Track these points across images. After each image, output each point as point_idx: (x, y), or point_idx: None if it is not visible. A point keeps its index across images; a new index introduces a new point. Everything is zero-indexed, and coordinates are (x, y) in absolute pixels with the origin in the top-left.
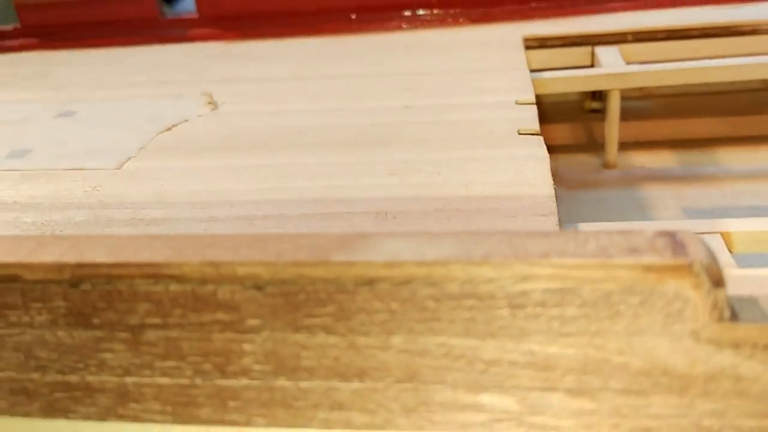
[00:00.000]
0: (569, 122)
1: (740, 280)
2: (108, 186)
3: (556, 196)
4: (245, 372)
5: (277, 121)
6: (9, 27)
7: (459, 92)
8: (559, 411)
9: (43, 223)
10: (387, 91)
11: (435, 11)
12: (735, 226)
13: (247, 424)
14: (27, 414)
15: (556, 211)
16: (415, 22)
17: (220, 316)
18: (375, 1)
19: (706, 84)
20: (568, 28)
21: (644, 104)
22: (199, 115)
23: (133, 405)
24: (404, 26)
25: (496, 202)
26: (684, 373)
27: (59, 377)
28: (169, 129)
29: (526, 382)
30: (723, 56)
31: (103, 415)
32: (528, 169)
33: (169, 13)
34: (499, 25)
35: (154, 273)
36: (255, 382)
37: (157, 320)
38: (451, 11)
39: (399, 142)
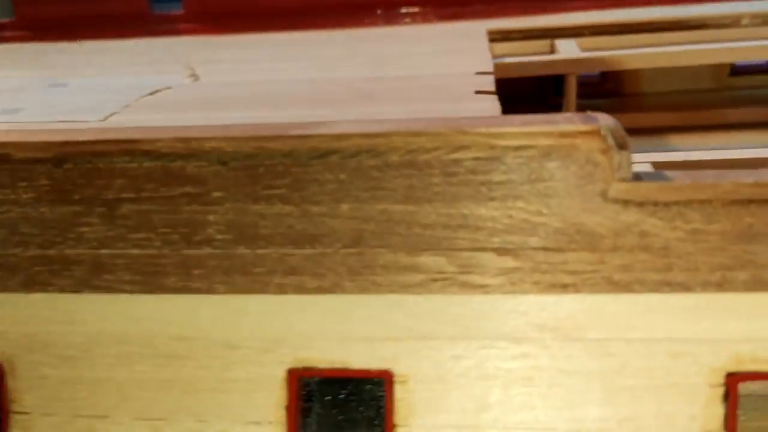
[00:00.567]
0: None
1: None
2: None
3: None
4: (209, 241)
5: (255, 88)
6: (5, 20)
7: (424, 67)
8: (487, 269)
9: None
10: (358, 66)
11: (407, 9)
12: None
13: (209, 291)
14: (6, 288)
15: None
16: (389, 19)
17: (188, 189)
18: (352, 0)
19: (660, 83)
20: (529, 24)
21: (602, 101)
22: (182, 84)
23: (107, 276)
24: (378, 23)
25: None
26: (595, 230)
27: (39, 251)
28: (152, 93)
29: (459, 244)
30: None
31: (77, 287)
32: (480, 111)
33: (158, 9)
34: (466, 22)
35: (130, 149)
36: (217, 251)
37: (131, 194)
38: (422, 10)
39: (367, 99)
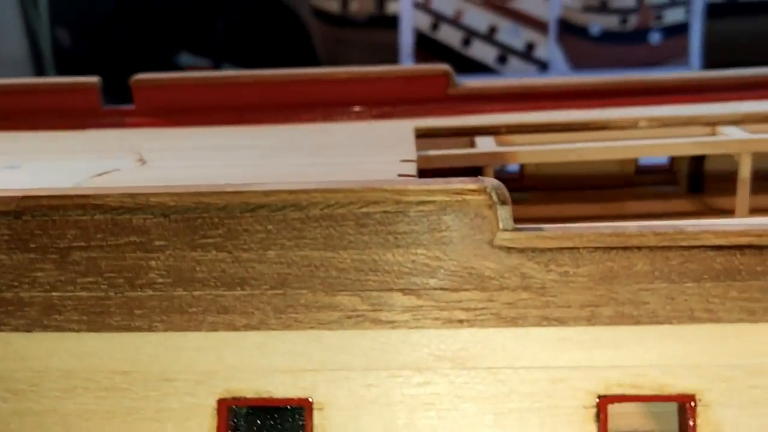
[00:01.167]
0: None
1: None
2: None
3: None
4: (150, 284)
5: (197, 171)
6: None
7: (356, 156)
8: (394, 307)
9: None
10: (295, 155)
11: (343, 108)
12: None
13: (149, 329)
14: None
15: None
16: (326, 117)
17: (133, 238)
18: (293, 99)
19: (572, 179)
20: (452, 123)
21: (519, 195)
22: (129, 167)
23: (56, 316)
24: (317, 119)
25: None
26: (484, 273)
27: None
28: (100, 174)
29: (370, 285)
30: None
31: (29, 327)
32: None
33: (108, 105)
34: (396, 120)
35: (83, 203)
36: (157, 293)
37: (82, 243)
38: (356, 109)
39: (299, 178)
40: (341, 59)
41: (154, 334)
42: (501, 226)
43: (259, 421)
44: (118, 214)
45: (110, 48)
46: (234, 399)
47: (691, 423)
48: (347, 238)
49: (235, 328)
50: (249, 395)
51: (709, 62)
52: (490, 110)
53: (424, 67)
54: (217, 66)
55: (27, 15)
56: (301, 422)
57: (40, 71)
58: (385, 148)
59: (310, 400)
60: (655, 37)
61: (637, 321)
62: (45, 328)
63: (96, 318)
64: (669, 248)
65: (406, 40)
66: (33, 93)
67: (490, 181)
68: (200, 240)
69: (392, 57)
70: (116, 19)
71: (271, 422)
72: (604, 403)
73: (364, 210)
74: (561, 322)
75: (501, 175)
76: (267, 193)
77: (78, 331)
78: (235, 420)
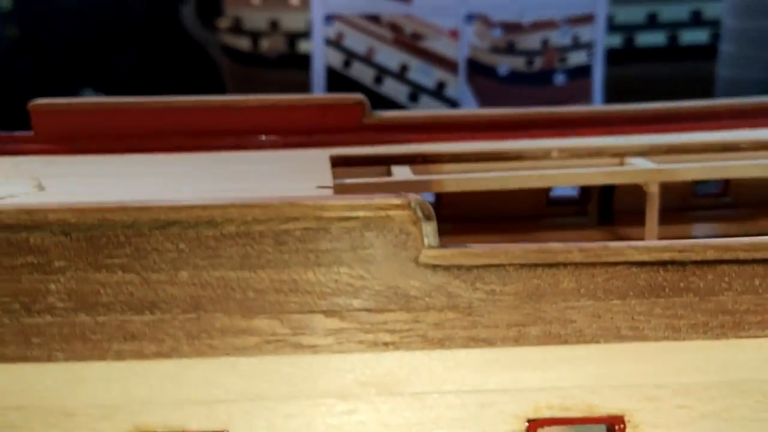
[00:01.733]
0: None
1: None
2: None
3: None
4: (49, 310)
5: (102, 197)
6: None
7: (268, 182)
8: (316, 330)
9: None
10: (206, 182)
11: (254, 136)
12: None
13: (48, 359)
14: None
15: None
16: (237, 145)
17: (30, 259)
18: (201, 127)
19: (487, 210)
20: (368, 152)
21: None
22: (26, 193)
23: None
24: (226, 148)
25: None
26: (409, 292)
27: None
28: None
29: (290, 307)
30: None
31: None
32: None
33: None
34: (310, 149)
35: None
36: (57, 319)
37: None
38: (271, 138)
39: None
40: None
41: (54, 364)
42: (426, 242)
43: None
44: (14, 233)
45: (10, 82)
46: None
47: None
48: (265, 256)
49: (144, 357)
50: (160, 429)
51: (610, 103)
52: (405, 140)
53: (338, 97)
54: None
55: None
56: None
57: None
58: (301, 175)
59: None
60: (559, 79)
61: (564, 340)
62: None
63: None
64: (594, 265)
65: (318, 77)
66: None
67: (413, 197)
68: (105, 260)
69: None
70: (17, 52)
71: None
72: (533, 426)
73: (284, 227)
74: (488, 342)
75: None
76: (178, 209)
77: None
78: None
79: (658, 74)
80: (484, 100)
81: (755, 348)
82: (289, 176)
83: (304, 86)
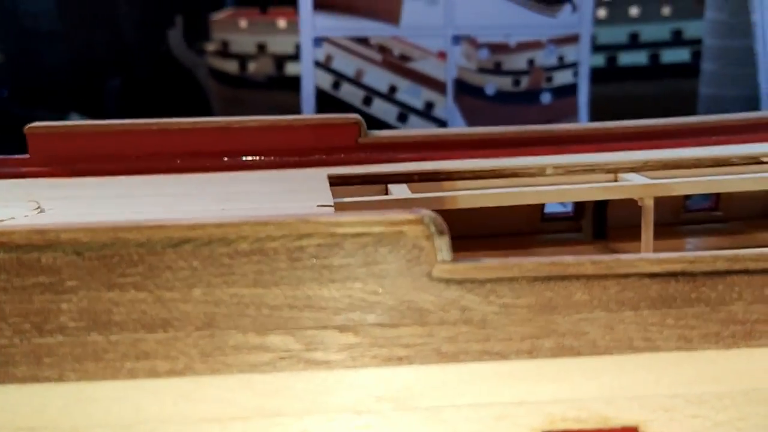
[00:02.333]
0: None
1: None
2: None
3: None
4: (61, 329)
5: (105, 218)
6: None
7: (268, 202)
8: (330, 346)
9: None
10: (207, 202)
11: (252, 157)
12: None
13: (60, 379)
14: None
15: None
16: (234, 166)
17: (42, 279)
18: (199, 148)
19: (484, 227)
20: (365, 171)
21: None
22: (26, 215)
23: None
24: (224, 168)
25: None
26: (423, 307)
27: None
28: None
29: (304, 323)
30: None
31: None
32: None
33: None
34: (309, 169)
35: None
36: (69, 339)
37: None
38: (269, 158)
39: None
40: None
41: (65, 384)
42: (439, 257)
43: None
44: (25, 253)
45: None
46: None
47: None
48: (279, 273)
49: (157, 375)
50: None
51: (595, 120)
52: (400, 159)
53: (334, 117)
54: None
55: None
56: None
57: None
58: (300, 194)
59: None
60: (546, 97)
61: (577, 352)
62: None
63: None
64: (606, 277)
65: (307, 98)
66: None
67: (426, 212)
68: (118, 279)
69: None
70: (1, 78)
71: None
72: None
73: (297, 243)
74: (502, 356)
75: None
76: (192, 227)
77: None
78: None
79: (642, 92)
80: (472, 120)
81: (767, 357)
82: (288, 196)
83: (293, 108)
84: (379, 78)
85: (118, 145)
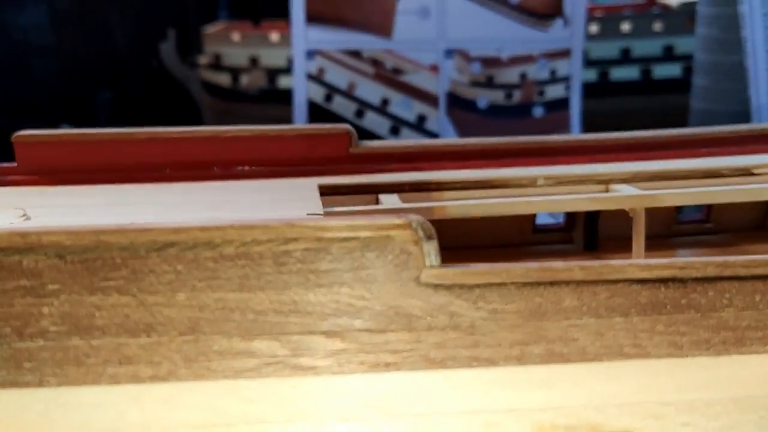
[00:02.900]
0: None
1: None
2: None
3: None
4: (42, 334)
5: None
6: None
7: (258, 211)
8: (317, 351)
9: None
10: (196, 211)
11: (242, 167)
12: None
13: (40, 384)
14: None
15: None
16: (224, 175)
17: (23, 282)
18: (188, 157)
19: (474, 238)
20: (356, 181)
21: None
22: (11, 223)
23: None
24: (214, 178)
25: None
26: (411, 312)
27: None
28: None
29: (290, 328)
30: None
31: None
32: None
33: None
34: (300, 178)
35: None
36: (50, 343)
37: None
38: (260, 168)
39: None
40: None
41: (46, 389)
42: (427, 262)
43: None
44: (6, 256)
45: None
46: None
47: None
48: (265, 277)
49: (140, 380)
50: None
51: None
52: (392, 169)
53: (325, 127)
54: None
55: None
56: None
57: None
58: (290, 204)
59: None
60: (538, 111)
61: (567, 359)
62: None
63: None
64: (596, 282)
65: (300, 111)
66: None
67: (414, 217)
68: (100, 283)
69: None
70: None
71: None
72: None
73: (284, 248)
74: (491, 362)
75: None
76: (176, 230)
77: None
78: None
79: (634, 107)
80: (464, 133)
81: (758, 364)
82: (278, 205)
83: (285, 120)
84: (371, 91)
85: (106, 154)
